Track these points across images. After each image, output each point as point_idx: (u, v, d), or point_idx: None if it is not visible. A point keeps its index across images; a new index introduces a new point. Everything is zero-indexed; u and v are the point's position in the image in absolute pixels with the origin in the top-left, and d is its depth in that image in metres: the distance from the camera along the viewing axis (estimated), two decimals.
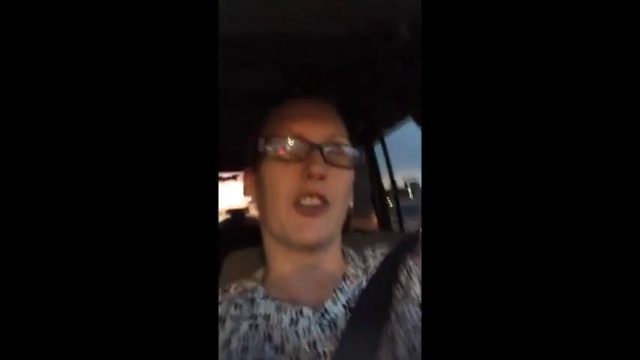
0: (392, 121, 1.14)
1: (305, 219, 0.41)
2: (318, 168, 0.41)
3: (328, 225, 0.43)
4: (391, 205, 1.46)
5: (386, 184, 1.45)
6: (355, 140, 0.49)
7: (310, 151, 0.42)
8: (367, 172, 0.70)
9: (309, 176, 0.41)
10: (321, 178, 0.41)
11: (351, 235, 0.69)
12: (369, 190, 1.40)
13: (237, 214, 2.36)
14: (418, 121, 0.75)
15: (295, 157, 0.42)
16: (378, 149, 1.35)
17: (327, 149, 0.43)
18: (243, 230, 0.48)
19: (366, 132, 1.21)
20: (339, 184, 0.44)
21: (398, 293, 0.43)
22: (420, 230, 0.50)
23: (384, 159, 1.37)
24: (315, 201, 0.42)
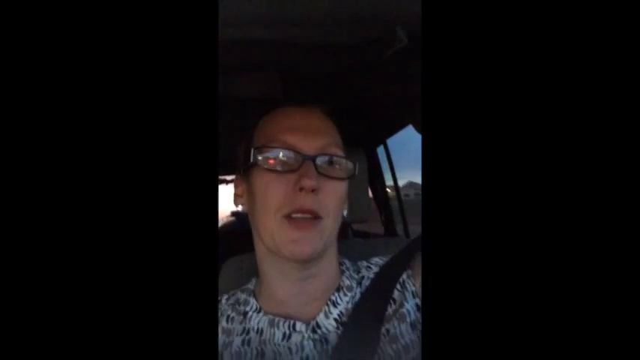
0: (394, 125, 1.14)
1: (296, 234, 0.40)
2: (309, 181, 0.39)
3: (320, 239, 0.41)
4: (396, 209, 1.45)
5: (389, 187, 1.45)
6: (357, 144, 0.48)
7: (302, 162, 0.41)
8: (366, 176, 0.69)
9: (301, 189, 0.40)
10: (313, 191, 0.40)
11: (350, 242, 0.68)
12: (372, 194, 1.39)
13: (242, 217, 2.36)
14: (418, 127, 0.74)
15: (287, 169, 0.41)
16: (381, 153, 1.35)
17: (319, 160, 0.41)
18: (248, 233, 0.48)
19: (368, 135, 1.21)
20: (332, 197, 0.42)
21: (390, 309, 0.42)
22: (419, 239, 0.49)
23: (387, 162, 1.37)
24: (307, 215, 0.40)
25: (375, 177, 1.37)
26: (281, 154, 0.42)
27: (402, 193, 1.53)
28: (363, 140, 1.23)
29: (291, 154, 0.42)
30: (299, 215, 0.40)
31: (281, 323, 0.42)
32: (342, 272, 0.48)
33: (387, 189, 1.45)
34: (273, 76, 0.74)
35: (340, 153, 0.44)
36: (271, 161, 0.42)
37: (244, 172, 0.46)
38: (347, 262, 0.50)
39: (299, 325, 0.42)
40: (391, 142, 1.29)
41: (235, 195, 0.49)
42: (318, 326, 0.42)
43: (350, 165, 0.44)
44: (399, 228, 1.43)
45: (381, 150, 1.34)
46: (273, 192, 0.41)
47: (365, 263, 0.50)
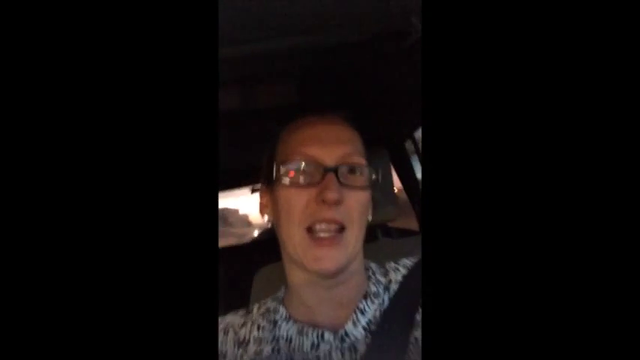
0: (419, 118, 1.11)
1: (320, 250, 0.40)
2: (332, 194, 0.39)
3: (346, 252, 0.41)
4: None
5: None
6: (380, 142, 0.47)
7: (324, 174, 0.40)
8: (390, 175, 0.68)
9: (324, 201, 0.39)
10: (337, 203, 0.39)
11: (379, 244, 0.67)
12: (404, 189, 1.36)
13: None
14: None
15: (309, 181, 0.41)
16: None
17: (341, 170, 0.41)
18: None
19: (393, 131, 1.18)
20: (356, 206, 0.41)
21: (419, 316, 0.41)
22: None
23: (417, 157, 1.33)
24: (331, 227, 0.40)
25: (405, 172, 1.34)
26: (302, 167, 0.41)
27: None
28: (387, 137, 1.20)
29: (312, 166, 0.41)
30: (323, 226, 0.40)
31: (310, 332, 0.42)
32: (369, 278, 0.47)
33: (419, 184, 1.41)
34: (289, 84, 0.74)
35: (362, 161, 0.43)
36: (292, 174, 0.41)
37: (268, 183, 0.46)
38: (373, 265, 0.49)
39: (327, 335, 0.42)
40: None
41: (261, 204, 0.49)
42: (347, 335, 0.41)
43: (373, 173, 0.43)
44: None
45: None
46: (296, 205, 0.41)
47: (393, 265, 0.48)
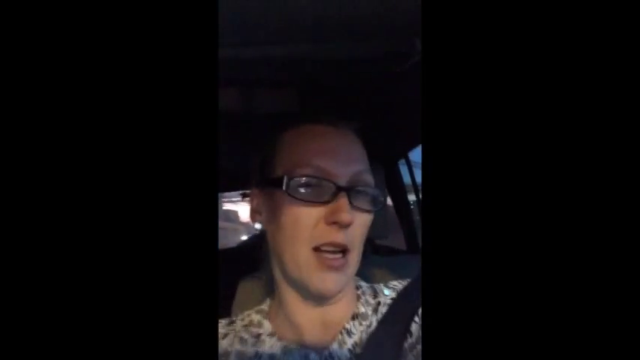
0: (416, 138, 1.12)
1: (326, 273, 0.39)
2: (346, 217, 0.37)
3: (347, 274, 0.40)
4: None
5: (412, 201, 1.41)
6: (376, 158, 0.46)
7: (337, 193, 0.39)
8: (385, 191, 0.68)
9: (334, 223, 0.38)
10: (348, 226, 0.38)
11: (368, 260, 0.66)
12: (394, 208, 1.36)
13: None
14: None
15: (319, 199, 0.39)
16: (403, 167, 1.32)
17: (353, 192, 0.39)
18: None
19: (388, 149, 1.19)
20: (361, 229, 0.41)
21: (406, 344, 0.40)
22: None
23: (409, 176, 1.34)
24: (337, 249, 0.39)
25: (396, 191, 1.34)
26: (314, 183, 0.39)
27: None
28: (383, 154, 1.21)
29: (325, 184, 0.39)
30: (330, 249, 0.39)
31: (294, 352, 0.41)
32: (358, 298, 0.46)
33: (410, 203, 1.41)
34: (291, 91, 0.74)
35: (372, 182, 0.42)
36: (303, 189, 0.39)
37: (265, 189, 0.44)
38: (364, 285, 0.48)
39: (312, 356, 0.40)
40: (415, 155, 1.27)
41: (252, 211, 0.47)
42: (332, 356, 0.40)
43: (380, 196, 0.42)
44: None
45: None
46: (303, 223, 0.39)
47: (382, 287, 0.47)
